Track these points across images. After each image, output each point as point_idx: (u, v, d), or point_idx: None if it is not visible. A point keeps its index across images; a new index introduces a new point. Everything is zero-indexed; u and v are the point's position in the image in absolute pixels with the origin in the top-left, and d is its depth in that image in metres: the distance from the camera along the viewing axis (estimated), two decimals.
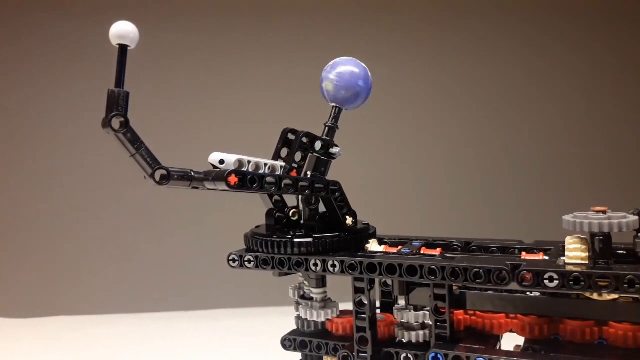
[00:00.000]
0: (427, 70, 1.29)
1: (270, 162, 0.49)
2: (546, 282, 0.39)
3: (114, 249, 1.25)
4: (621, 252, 0.44)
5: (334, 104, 0.52)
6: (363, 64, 0.52)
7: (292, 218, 0.53)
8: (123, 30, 0.40)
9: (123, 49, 0.40)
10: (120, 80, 0.40)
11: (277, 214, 0.52)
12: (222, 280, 1.13)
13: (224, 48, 1.28)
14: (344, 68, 0.52)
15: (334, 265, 0.46)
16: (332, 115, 0.52)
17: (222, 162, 0.45)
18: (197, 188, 0.44)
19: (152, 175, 0.41)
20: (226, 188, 0.42)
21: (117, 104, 0.40)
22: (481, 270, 0.41)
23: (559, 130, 1.29)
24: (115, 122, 0.40)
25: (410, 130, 1.29)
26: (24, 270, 1.25)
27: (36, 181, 1.26)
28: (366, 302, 0.47)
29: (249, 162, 0.47)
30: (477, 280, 0.41)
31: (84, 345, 0.99)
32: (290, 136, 0.52)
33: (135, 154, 0.41)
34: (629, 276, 0.37)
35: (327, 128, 0.52)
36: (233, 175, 0.42)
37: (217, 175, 0.42)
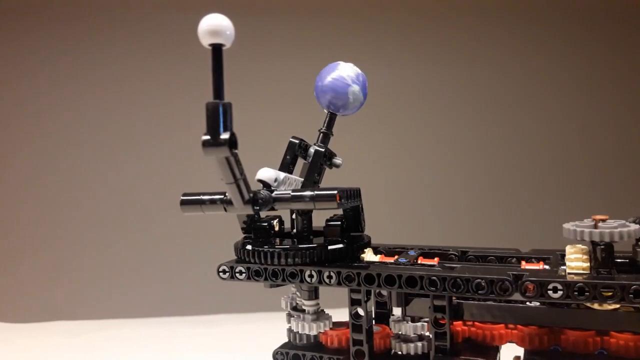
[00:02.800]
0: (424, 77, 1.28)
1: (297, 178, 0.49)
2: (550, 292, 0.39)
3: (112, 254, 1.23)
4: (619, 260, 0.44)
5: (327, 110, 0.51)
6: (358, 70, 0.51)
7: (275, 229, 0.51)
8: (218, 26, 0.31)
9: (217, 49, 0.32)
10: (219, 89, 0.32)
11: (263, 225, 0.51)
12: (219, 286, 1.10)
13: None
14: (337, 74, 0.50)
15: (330, 277, 0.44)
16: (326, 121, 0.51)
17: (276, 180, 0.45)
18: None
19: (249, 202, 0.38)
20: (333, 206, 0.43)
21: (226, 119, 0.32)
22: (483, 281, 0.40)
23: (555, 137, 1.29)
24: (230, 143, 0.33)
25: (404, 136, 1.28)
26: (22, 275, 1.22)
27: (35, 185, 1.23)
28: (363, 314, 0.46)
29: (287, 178, 0.47)
30: (480, 292, 0.40)
31: (82, 351, 0.98)
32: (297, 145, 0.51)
33: (239, 179, 0.36)
34: (634, 286, 0.37)
35: (321, 134, 0.50)
36: (338, 195, 0.43)
37: (326, 196, 0.43)
